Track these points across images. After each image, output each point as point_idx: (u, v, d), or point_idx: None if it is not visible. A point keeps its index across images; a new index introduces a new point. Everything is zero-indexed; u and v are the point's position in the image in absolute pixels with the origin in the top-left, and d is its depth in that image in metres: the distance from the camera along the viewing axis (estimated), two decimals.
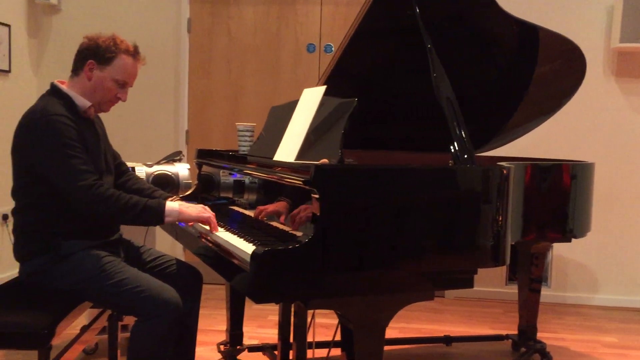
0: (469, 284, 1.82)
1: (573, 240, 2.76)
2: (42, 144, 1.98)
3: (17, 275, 2.16)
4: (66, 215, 2.05)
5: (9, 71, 4.15)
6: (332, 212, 1.63)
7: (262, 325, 3.54)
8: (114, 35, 2.15)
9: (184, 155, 3.37)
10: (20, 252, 2.11)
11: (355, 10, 4.16)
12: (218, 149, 2.82)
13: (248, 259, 1.61)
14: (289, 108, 2.28)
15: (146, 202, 2.03)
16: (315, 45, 4.30)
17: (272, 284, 1.58)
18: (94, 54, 2.10)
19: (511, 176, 1.93)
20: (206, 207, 2.13)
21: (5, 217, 4.12)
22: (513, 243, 2.21)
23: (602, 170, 3.65)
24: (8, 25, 4.11)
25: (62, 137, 1.97)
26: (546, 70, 2.81)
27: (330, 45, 4.28)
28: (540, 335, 3.16)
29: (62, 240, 2.05)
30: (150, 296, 2.00)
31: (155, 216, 2.03)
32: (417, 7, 2.10)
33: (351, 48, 2.35)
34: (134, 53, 2.16)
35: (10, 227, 4.09)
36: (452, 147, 1.94)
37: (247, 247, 1.75)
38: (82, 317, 2.76)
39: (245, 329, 2.85)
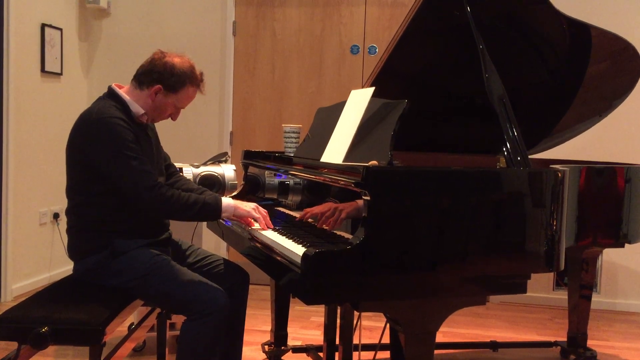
0: (522, 289, 1.79)
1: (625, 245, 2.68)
2: (102, 146, 2.03)
3: (70, 272, 2.21)
4: (119, 213, 2.10)
5: (60, 74, 4.27)
6: (383, 214, 1.62)
7: (305, 326, 3.55)
8: (186, 61, 2.15)
9: (229, 157, 3.40)
10: (74, 250, 2.16)
11: (400, 11, 4.18)
12: (263, 150, 2.84)
13: (298, 260, 1.62)
14: (336, 109, 2.28)
15: (204, 199, 2.08)
16: (359, 46, 4.29)
17: (322, 286, 1.58)
18: (166, 80, 2.11)
19: (566, 179, 1.88)
20: (259, 206, 2.15)
21: (56, 215, 4.24)
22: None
23: None
24: (60, 29, 4.23)
25: (121, 139, 2.02)
26: (598, 70, 2.74)
27: (374, 46, 4.26)
28: (589, 342, 3.07)
29: (115, 238, 2.10)
30: (199, 295, 2.02)
31: (213, 212, 2.09)
32: (468, 7, 2.07)
33: (400, 49, 2.33)
34: (199, 82, 2.19)
35: (61, 225, 4.23)
36: (504, 149, 1.90)
37: (296, 248, 1.75)
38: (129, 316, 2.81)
39: (288, 329, 2.86)
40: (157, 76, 2.12)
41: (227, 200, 2.11)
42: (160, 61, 2.13)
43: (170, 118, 2.24)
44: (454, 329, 3.55)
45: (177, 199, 2.03)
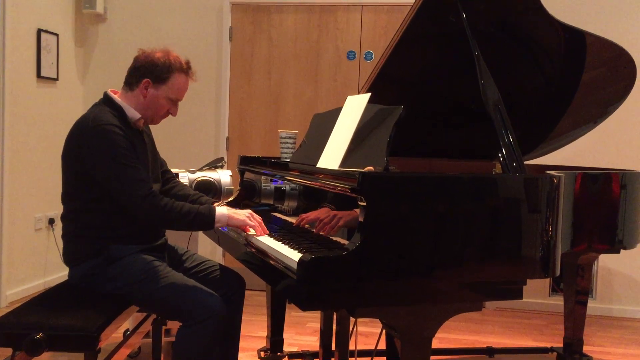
0: (518, 295, 1.79)
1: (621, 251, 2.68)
2: (97, 153, 2.02)
3: (65, 278, 2.20)
4: (115, 219, 2.09)
5: (56, 79, 4.26)
6: (379, 220, 1.62)
7: (300, 332, 3.54)
8: (168, 52, 2.17)
9: (225, 162, 3.40)
10: (70, 256, 2.15)
11: (396, 17, 4.19)
12: (259, 155, 2.84)
13: (294, 265, 1.61)
14: (332, 115, 2.28)
15: (198, 209, 2.07)
16: (355, 52, 4.30)
17: (318, 292, 1.57)
18: (150, 72, 2.12)
19: (561, 185, 1.88)
20: (253, 213, 2.15)
21: (51, 221, 4.23)
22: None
23: None
24: (56, 34, 4.23)
25: (116, 147, 2.01)
26: (593, 76, 2.75)
27: (370, 52, 4.27)
28: (585, 348, 3.07)
29: (110, 244, 2.09)
30: (195, 301, 2.02)
31: (206, 223, 2.07)
32: (464, 14, 2.08)
33: (396, 54, 2.34)
34: (187, 69, 2.19)
35: (57, 231, 4.21)
36: (500, 155, 1.90)
37: (292, 254, 1.74)
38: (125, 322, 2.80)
39: (284, 335, 2.85)
40: (143, 70, 2.13)
41: (221, 210, 2.09)
42: (142, 56, 2.15)
43: (170, 115, 2.22)
44: (450, 335, 3.55)
45: (170, 208, 2.02)
